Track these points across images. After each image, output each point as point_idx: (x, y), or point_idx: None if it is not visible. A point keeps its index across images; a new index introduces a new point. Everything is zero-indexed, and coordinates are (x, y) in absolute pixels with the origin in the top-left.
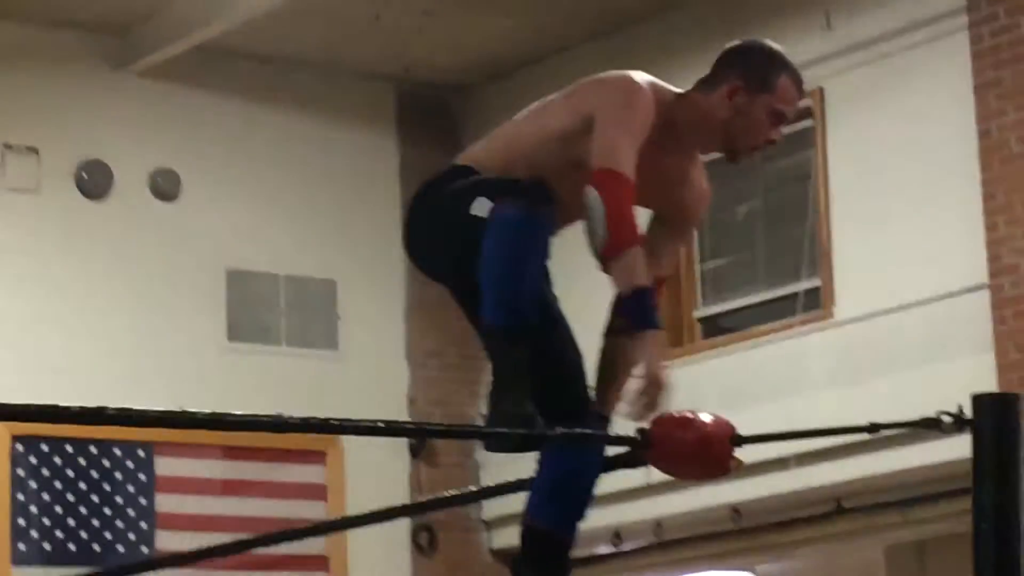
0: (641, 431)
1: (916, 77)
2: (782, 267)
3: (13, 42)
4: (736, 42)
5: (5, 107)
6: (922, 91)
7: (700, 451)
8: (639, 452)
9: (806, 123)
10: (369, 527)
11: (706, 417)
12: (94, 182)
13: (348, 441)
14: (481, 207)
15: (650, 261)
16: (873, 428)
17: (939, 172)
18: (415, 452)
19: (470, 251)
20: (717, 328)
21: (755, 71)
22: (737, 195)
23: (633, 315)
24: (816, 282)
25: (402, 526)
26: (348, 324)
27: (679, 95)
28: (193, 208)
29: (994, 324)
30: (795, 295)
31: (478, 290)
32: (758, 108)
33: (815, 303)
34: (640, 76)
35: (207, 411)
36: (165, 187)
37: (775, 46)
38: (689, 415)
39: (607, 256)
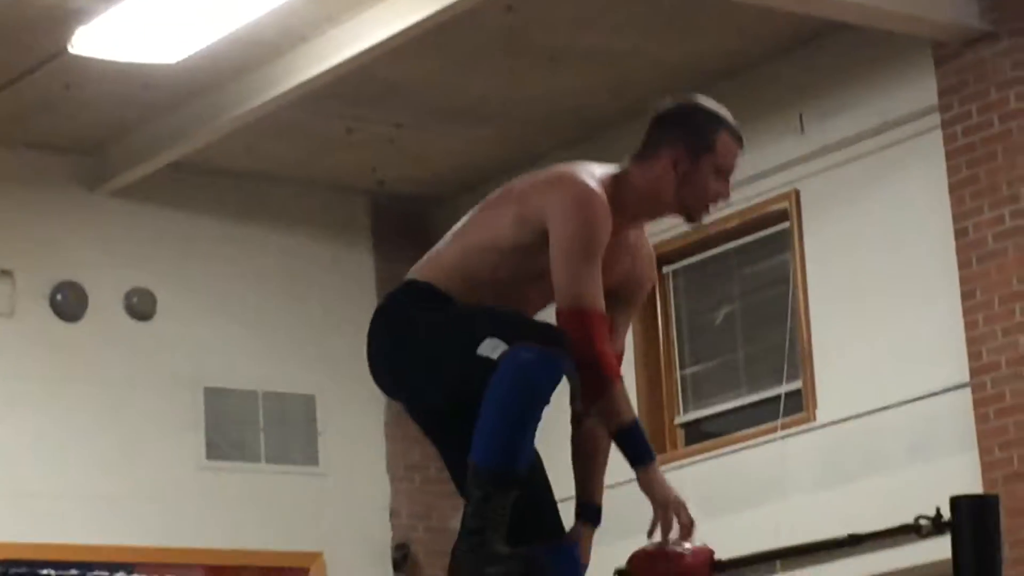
0: (620, 571)
1: (891, 176)
2: (763, 371)
3: None
4: (667, 105)
5: None
6: (897, 190)
7: None
8: None
9: (783, 225)
10: None
11: (685, 547)
12: (69, 303)
13: (331, 556)
14: (491, 348)
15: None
16: (854, 540)
17: (917, 271)
18: (397, 566)
19: (463, 385)
20: (699, 433)
21: (693, 135)
22: (716, 299)
23: (628, 450)
24: (797, 384)
25: None
26: (328, 439)
27: (621, 176)
28: (169, 326)
29: (976, 423)
30: (777, 398)
31: (445, 418)
32: (703, 171)
33: (797, 406)
34: (588, 177)
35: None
36: (141, 306)
37: (706, 102)
38: (667, 549)
39: (592, 400)
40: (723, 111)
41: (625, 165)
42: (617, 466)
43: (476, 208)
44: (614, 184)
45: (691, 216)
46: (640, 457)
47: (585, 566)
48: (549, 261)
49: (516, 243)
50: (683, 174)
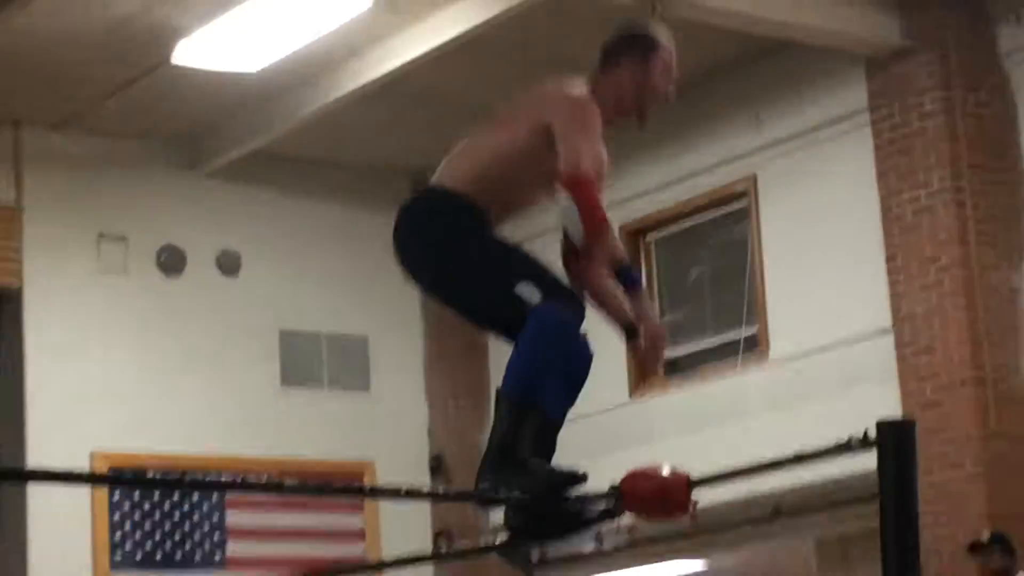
0: (613, 487)
1: (831, 164)
2: (726, 319)
3: (106, 151)
4: (619, 28)
5: (100, 203)
6: (836, 174)
7: (662, 498)
8: (616, 502)
9: (743, 203)
10: (397, 535)
11: (666, 470)
12: (171, 263)
13: (380, 465)
14: (528, 292)
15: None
16: (798, 459)
17: (851, 239)
18: (434, 473)
19: (497, 312)
20: (675, 369)
21: (642, 45)
22: (688, 262)
23: (626, 282)
24: (754, 330)
25: (425, 534)
26: (378, 371)
27: (595, 87)
28: (252, 281)
29: (897, 361)
30: (737, 341)
31: (463, 297)
32: (653, 72)
33: (753, 347)
34: (581, 88)
35: (264, 479)
36: (229, 265)
37: (645, 23)
38: (651, 471)
39: (591, 244)
40: (659, 27)
41: (595, 76)
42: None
43: (483, 127)
44: (592, 93)
45: (643, 113)
46: (635, 283)
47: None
48: (556, 160)
49: (530, 147)
50: (639, 77)
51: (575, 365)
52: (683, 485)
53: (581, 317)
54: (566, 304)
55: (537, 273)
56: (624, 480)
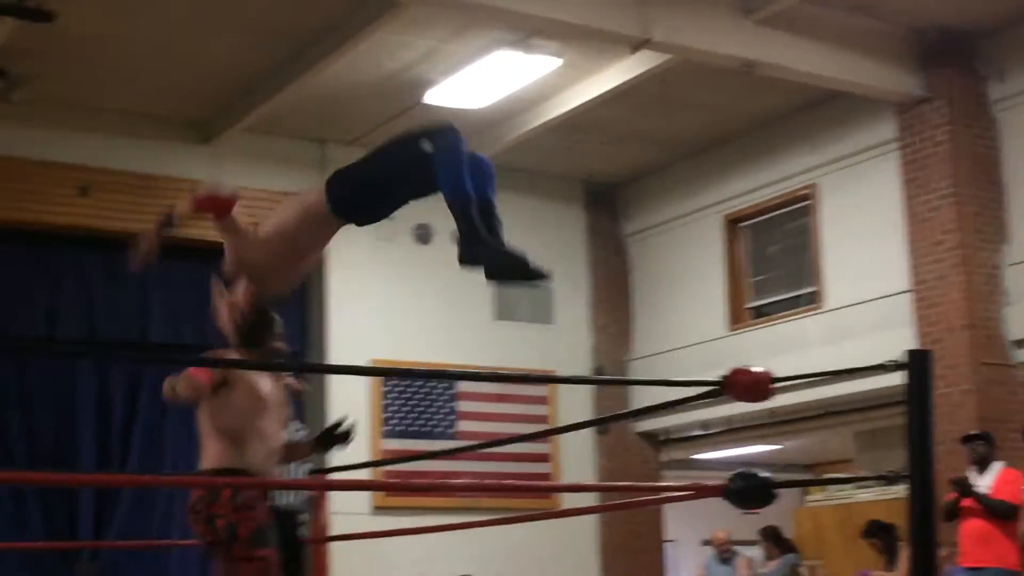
0: (723, 377)
1: (869, 176)
2: (794, 280)
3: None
4: None
5: None
6: (874, 183)
7: (753, 387)
8: (720, 389)
9: (807, 202)
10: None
11: (757, 368)
12: (423, 235)
13: (559, 372)
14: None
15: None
16: (849, 371)
17: (883, 228)
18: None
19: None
20: (760, 313)
21: None
22: (769, 241)
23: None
24: (813, 288)
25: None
26: (558, 307)
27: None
28: None
29: (916, 312)
30: (801, 295)
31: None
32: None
33: (813, 300)
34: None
35: (483, 368)
36: None
37: None
38: (747, 368)
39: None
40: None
41: None
42: (717, 326)
43: None
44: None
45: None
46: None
47: None
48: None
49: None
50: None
51: (476, 159)
52: (768, 379)
53: (455, 131)
54: (443, 132)
55: (409, 137)
56: (729, 374)
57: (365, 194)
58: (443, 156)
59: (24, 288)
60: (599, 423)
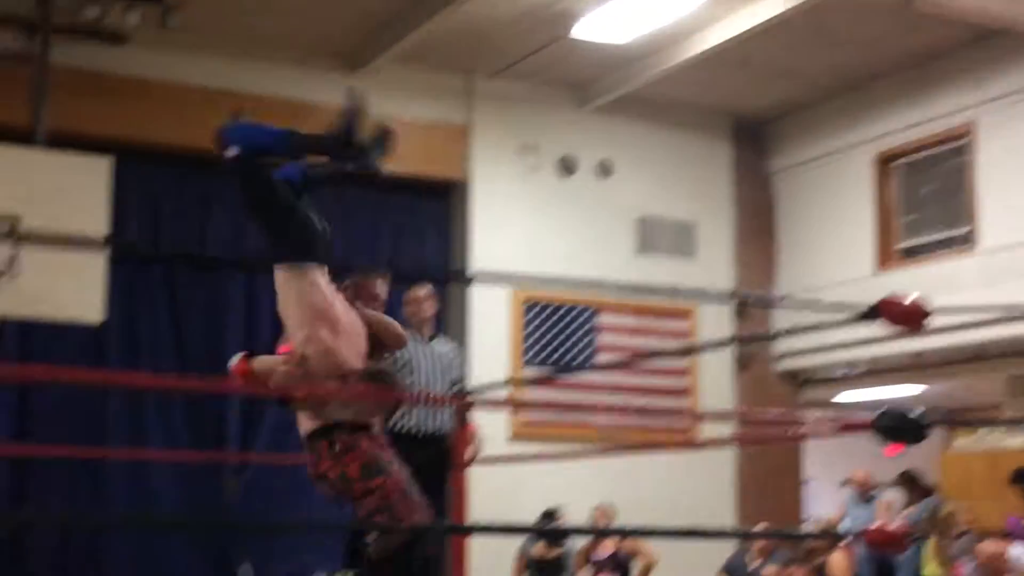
0: (875, 305)
1: None
2: (948, 220)
3: (526, 92)
4: None
5: (521, 125)
6: None
7: (908, 313)
8: (873, 315)
9: (965, 140)
10: (710, 357)
11: (914, 296)
12: (567, 167)
13: (698, 310)
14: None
15: None
16: (1010, 316)
17: None
18: (739, 314)
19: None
20: (911, 253)
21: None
22: (924, 180)
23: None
24: (967, 228)
25: (729, 355)
26: (701, 246)
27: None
28: (620, 182)
29: None
30: (955, 236)
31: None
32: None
33: (966, 240)
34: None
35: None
36: (605, 170)
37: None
38: (904, 295)
39: None
40: None
41: None
42: (864, 265)
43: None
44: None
45: None
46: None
47: None
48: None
49: None
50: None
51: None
52: (922, 309)
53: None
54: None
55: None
56: (882, 301)
57: (298, 229)
58: (280, 172)
59: (179, 209)
60: (746, 341)
